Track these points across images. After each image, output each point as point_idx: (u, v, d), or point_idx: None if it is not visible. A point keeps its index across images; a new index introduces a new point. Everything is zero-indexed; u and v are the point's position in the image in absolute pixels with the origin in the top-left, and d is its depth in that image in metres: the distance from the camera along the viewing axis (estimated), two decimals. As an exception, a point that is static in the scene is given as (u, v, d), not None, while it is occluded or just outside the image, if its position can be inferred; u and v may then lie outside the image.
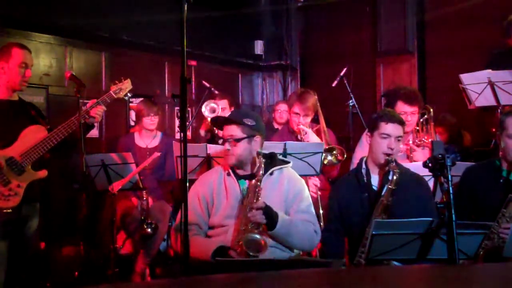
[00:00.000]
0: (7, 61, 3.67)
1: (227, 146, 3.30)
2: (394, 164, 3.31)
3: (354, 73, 6.47)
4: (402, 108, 4.31)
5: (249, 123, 3.30)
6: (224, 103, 5.11)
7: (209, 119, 4.92)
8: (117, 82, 4.00)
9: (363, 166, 3.52)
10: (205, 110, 5.08)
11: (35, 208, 3.78)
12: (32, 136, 3.63)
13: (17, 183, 3.56)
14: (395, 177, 3.26)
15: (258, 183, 3.19)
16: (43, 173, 3.69)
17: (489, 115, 4.89)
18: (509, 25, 4.91)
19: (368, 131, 3.53)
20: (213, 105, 5.09)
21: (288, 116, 6.06)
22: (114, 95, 3.89)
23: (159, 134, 5.27)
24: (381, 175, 3.44)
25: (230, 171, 3.37)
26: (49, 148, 3.62)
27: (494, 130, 4.50)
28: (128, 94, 4.00)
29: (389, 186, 3.27)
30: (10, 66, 3.66)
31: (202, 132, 5.27)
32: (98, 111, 3.76)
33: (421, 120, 4.41)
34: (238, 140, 3.29)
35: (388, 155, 3.36)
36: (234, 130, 3.29)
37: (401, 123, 3.45)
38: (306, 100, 4.63)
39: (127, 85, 3.97)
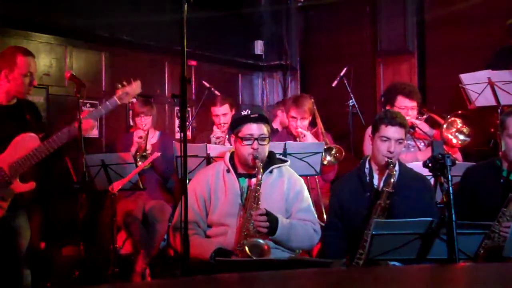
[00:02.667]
0: (12, 70, 3.42)
1: (255, 145, 3.26)
2: (392, 166, 3.30)
3: (354, 73, 6.46)
4: (402, 102, 4.31)
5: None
6: (225, 108, 5.04)
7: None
8: (125, 83, 3.43)
9: (366, 165, 3.51)
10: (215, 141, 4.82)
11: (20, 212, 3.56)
12: (22, 145, 3.39)
13: (1, 196, 3.36)
14: (392, 180, 3.26)
15: (258, 187, 3.20)
16: (30, 186, 3.45)
17: (489, 115, 4.89)
18: None
19: (372, 132, 3.53)
20: (217, 135, 4.89)
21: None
22: (118, 102, 3.40)
23: (157, 133, 5.26)
24: (383, 175, 3.42)
25: (230, 168, 3.36)
26: (38, 161, 3.38)
27: (492, 130, 4.50)
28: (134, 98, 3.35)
29: (387, 189, 3.25)
30: (15, 76, 3.43)
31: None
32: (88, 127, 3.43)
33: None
34: (268, 138, 3.31)
35: (389, 158, 3.34)
36: (264, 129, 3.31)
37: (402, 125, 3.38)
38: (302, 103, 4.70)
39: (135, 88, 3.44)
